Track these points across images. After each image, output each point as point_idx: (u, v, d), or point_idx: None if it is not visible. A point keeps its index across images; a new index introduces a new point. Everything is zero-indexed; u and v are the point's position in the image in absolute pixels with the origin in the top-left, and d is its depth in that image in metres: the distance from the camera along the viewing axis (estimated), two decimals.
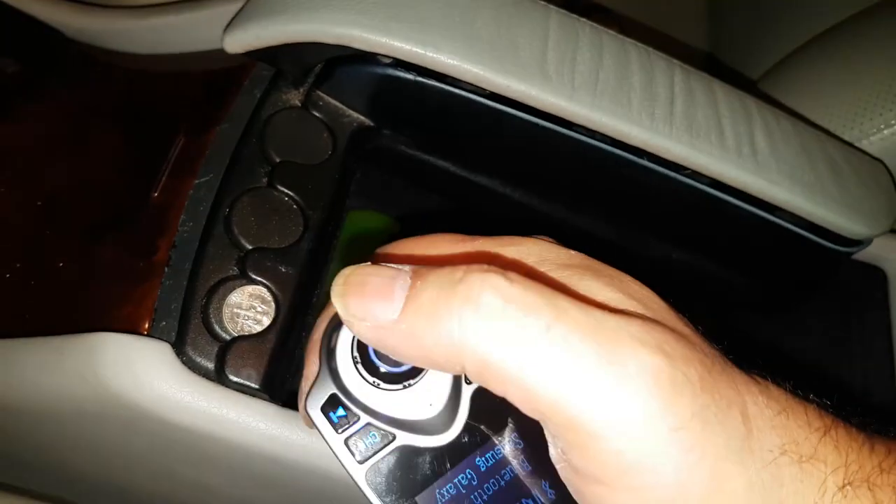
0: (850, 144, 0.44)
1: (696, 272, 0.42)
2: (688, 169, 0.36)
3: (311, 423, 0.24)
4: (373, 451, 0.23)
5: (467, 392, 0.24)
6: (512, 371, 0.19)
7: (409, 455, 0.23)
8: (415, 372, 0.23)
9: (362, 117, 0.37)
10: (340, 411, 0.23)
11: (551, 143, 0.36)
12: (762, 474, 0.20)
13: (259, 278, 0.32)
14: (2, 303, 0.37)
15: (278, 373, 0.31)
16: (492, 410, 0.24)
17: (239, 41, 0.34)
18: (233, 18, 0.35)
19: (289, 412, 0.30)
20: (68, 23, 0.44)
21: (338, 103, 0.37)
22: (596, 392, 0.18)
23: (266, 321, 0.31)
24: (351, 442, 0.24)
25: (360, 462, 0.23)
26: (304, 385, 0.24)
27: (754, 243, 0.40)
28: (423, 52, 0.32)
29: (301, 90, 0.36)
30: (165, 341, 0.30)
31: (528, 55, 0.33)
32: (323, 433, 0.24)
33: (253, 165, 0.34)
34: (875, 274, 0.51)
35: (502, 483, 0.24)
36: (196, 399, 0.29)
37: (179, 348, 0.30)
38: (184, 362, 0.30)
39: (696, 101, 0.36)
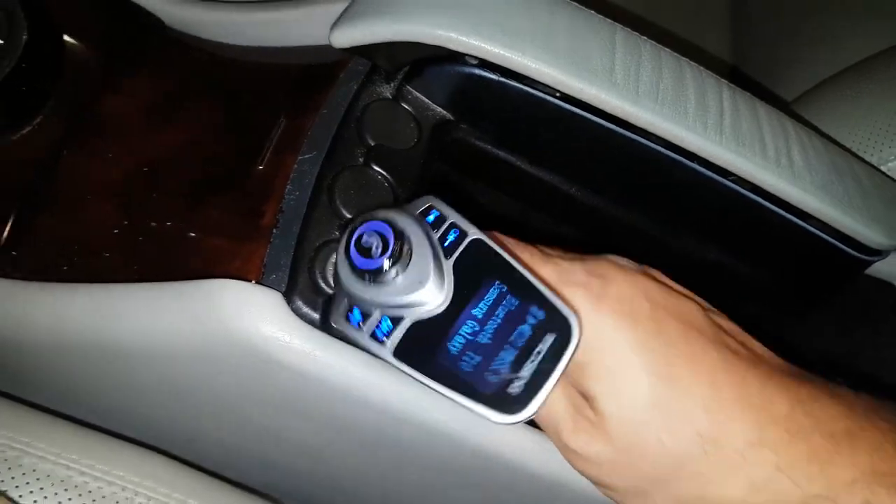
0: (872, 166, 0.48)
1: (729, 271, 0.47)
2: (733, 174, 0.40)
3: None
4: (390, 334, 0.29)
5: (448, 265, 0.29)
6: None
7: (418, 327, 0.29)
8: (400, 266, 0.28)
9: (444, 111, 0.42)
10: (357, 314, 0.29)
11: (613, 143, 0.40)
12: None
13: None
14: (110, 254, 0.41)
15: None
16: (472, 273, 0.29)
17: (348, 36, 0.38)
18: (340, 16, 0.39)
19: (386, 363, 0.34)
20: (171, 12, 0.49)
21: (424, 98, 0.41)
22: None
23: None
24: (373, 333, 0.29)
25: (383, 345, 0.29)
26: None
27: (786, 246, 0.44)
28: (510, 55, 0.37)
29: (392, 85, 0.41)
30: (277, 290, 0.34)
31: (599, 64, 0.38)
32: (352, 337, 0.29)
33: (351, 146, 0.38)
34: (888, 290, 0.55)
35: (499, 321, 0.29)
36: (303, 342, 0.33)
37: (289, 297, 0.34)
38: (293, 310, 0.34)
39: (741, 116, 0.41)
